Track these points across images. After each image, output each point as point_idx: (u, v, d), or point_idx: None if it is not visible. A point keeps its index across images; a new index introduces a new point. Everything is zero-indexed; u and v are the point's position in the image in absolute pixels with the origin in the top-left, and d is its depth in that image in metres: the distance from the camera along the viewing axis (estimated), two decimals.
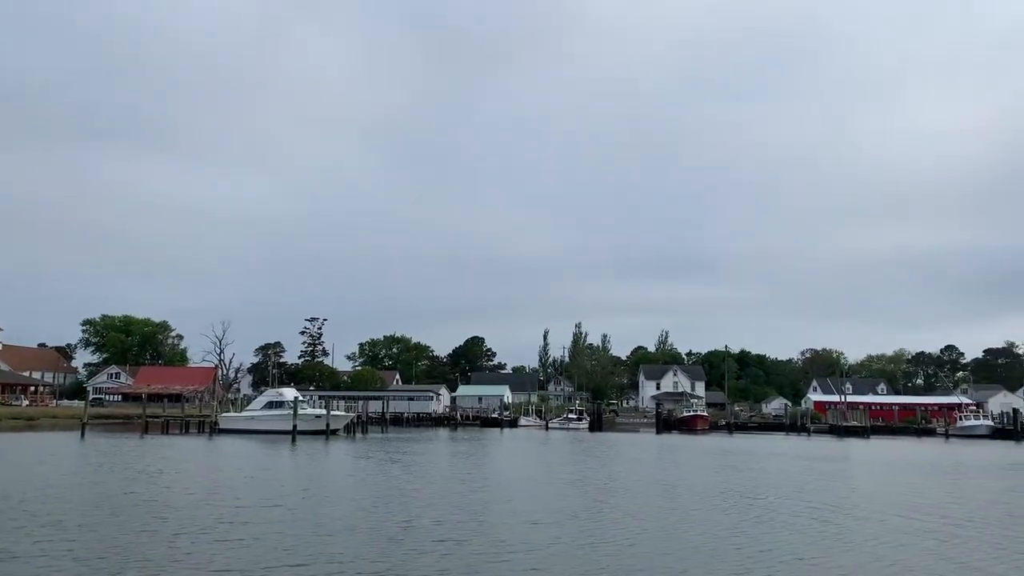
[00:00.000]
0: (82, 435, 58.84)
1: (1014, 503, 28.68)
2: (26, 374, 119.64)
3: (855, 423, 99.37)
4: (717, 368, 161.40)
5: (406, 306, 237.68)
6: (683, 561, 16.07)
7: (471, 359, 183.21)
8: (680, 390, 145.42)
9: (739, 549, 17.42)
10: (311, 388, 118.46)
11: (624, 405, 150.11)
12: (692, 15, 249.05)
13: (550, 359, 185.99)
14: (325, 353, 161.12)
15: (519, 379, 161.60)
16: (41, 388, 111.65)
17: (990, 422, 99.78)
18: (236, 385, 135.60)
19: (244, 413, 73.05)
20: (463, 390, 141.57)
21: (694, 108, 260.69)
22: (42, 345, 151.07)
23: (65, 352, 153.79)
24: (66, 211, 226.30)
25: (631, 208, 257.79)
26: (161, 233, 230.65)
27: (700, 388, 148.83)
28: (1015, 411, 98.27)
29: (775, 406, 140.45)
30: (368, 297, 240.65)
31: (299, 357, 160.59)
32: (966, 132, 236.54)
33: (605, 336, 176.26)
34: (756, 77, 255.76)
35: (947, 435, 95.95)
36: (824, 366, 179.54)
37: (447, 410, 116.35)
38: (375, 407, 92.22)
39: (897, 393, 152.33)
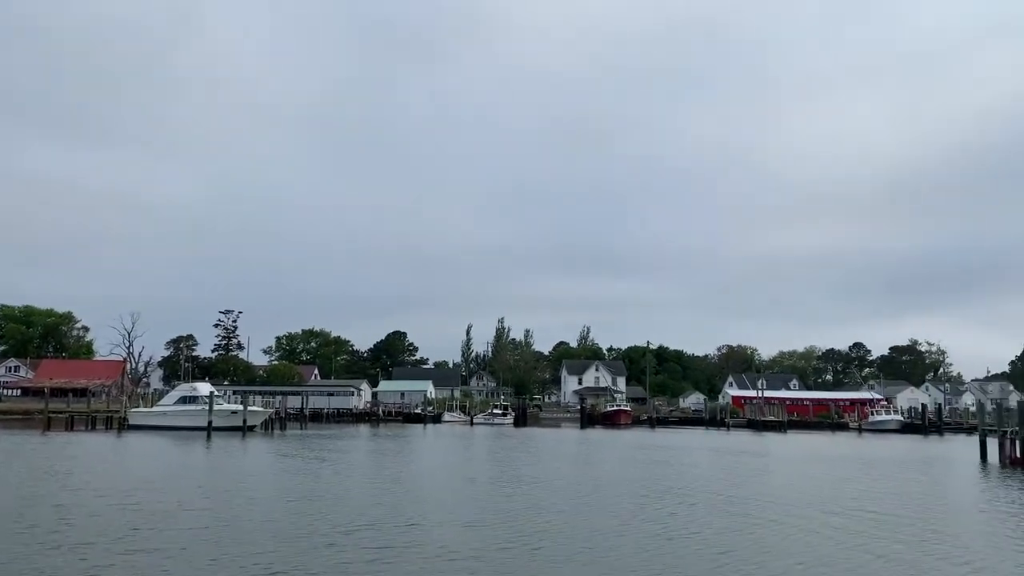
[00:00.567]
0: None
1: (941, 498, 29.27)
2: None
3: (772, 418, 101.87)
4: (637, 363, 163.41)
5: (325, 299, 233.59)
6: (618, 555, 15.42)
7: (393, 354, 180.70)
8: (602, 385, 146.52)
9: (696, 549, 16.91)
10: (226, 383, 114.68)
11: (547, 400, 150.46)
12: (622, 9, 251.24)
13: (473, 354, 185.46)
14: (240, 347, 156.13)
15: (442, 374, 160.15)
16: None
17: (900, 417, 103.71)
18: (146, 379, 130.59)
19: (156, 408, 70.29)
20: (385, 385, 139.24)
21: (620, 104, 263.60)
22: None
23: None
24: None
25: (556, 204, 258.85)
26: (65, 220, 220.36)
27: (621, 383, 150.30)
28: (923, 407, 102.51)
29: (692, 401, 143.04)
30: (285, 290, 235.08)
31: (213, 351, 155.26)
32: (880, 133, 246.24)
33: (528, 331, 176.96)
34: (683, 74, 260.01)
35: (860, 430, 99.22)
36: (739, 362, 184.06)
37: (368, 406, 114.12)
38: (293, 403, 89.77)
39: (808, 389, 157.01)
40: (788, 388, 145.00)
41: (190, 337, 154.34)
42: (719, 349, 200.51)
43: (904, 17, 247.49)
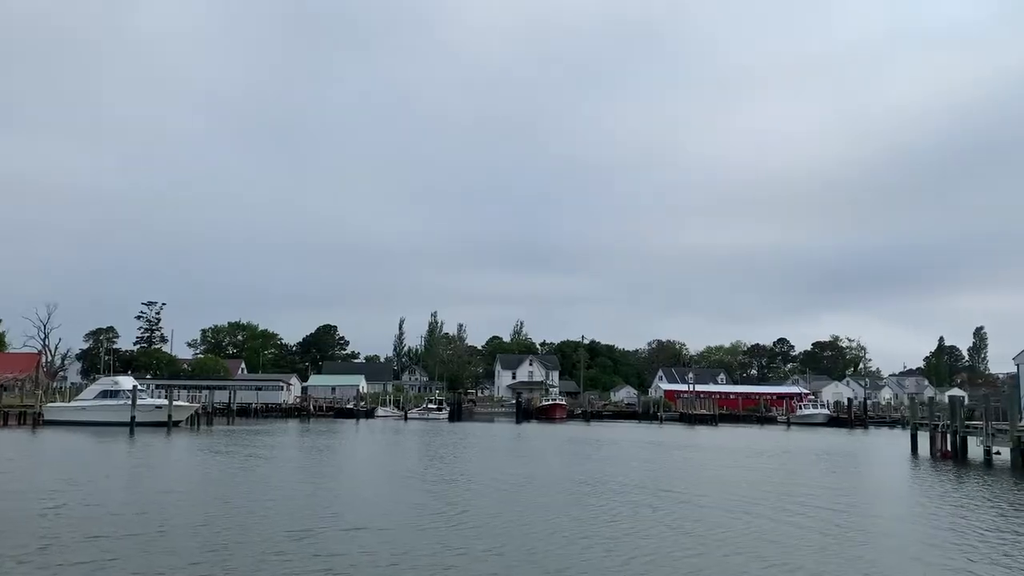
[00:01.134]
0: None
1: (887, 491, 29.62)
2: None
3: (704, 411, 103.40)
4: (569, 358, 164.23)
5: (252, 291, 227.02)
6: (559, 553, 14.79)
7: (323, 348, 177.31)
8: (536, 379, 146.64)
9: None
10: (148, 376, 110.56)
11: (480, 395, 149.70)
12: (556, 5, 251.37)
13: (406, 349, 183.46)
14: (164, 339, 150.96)
15: (374, 369, 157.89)
16: None
17: (827, 411, 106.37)
18: (63, 373, 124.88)
19: (74, 403, 67.11)
20: (315, 380, 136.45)
21: (555, 98, 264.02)
22: None
23: None
24: None
25: (489, 197, 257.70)
26: None
27: (555, 377, 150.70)
28: (849, 401, 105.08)
29: (623, 394, 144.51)
30: (211, 281, 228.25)
31: (135, 343, 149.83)
32: (804, 134, 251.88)
33: (461, 326, 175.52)
34: (620, 71, 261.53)
35: (788, 423, 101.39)
36: (669, 356, 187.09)
37: (298, 400, 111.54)
38: (220, 397, 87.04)
39: (735, 383, 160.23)
40: (716, 382, 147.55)
41: (110, 329, 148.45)
42: (649, 344, 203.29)
43: (828, 19, 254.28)
